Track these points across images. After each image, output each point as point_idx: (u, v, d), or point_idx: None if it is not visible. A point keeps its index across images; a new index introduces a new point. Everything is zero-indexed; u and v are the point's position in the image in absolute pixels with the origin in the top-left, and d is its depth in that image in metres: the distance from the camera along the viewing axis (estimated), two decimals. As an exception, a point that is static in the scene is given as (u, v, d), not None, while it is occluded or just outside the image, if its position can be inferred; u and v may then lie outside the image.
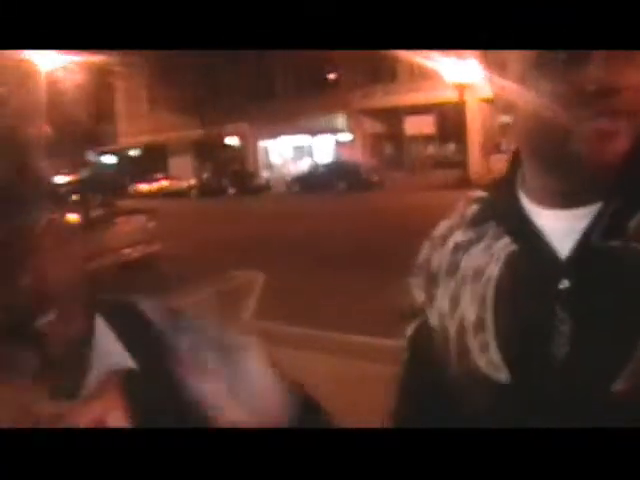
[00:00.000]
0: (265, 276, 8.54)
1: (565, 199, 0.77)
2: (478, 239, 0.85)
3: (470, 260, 0.85)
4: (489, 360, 0.79)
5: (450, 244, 0.89)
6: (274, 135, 34.70)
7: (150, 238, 10.38)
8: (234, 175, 33.37)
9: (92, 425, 0.69)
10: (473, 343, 0.81)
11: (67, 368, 0.69)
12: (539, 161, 0.78)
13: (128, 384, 0.73)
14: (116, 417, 0.70)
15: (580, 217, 0.76)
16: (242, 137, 36.29)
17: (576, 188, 0.75)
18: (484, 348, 0.80)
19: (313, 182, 28.83)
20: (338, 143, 33.54)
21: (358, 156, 30.58)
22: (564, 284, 0.74)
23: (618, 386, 0.70)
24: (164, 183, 35.61)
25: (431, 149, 30.19)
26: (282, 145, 36.37)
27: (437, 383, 0.88)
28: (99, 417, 0.70)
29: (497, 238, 0.82)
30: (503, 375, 0.78)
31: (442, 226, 0.92)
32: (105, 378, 0.72)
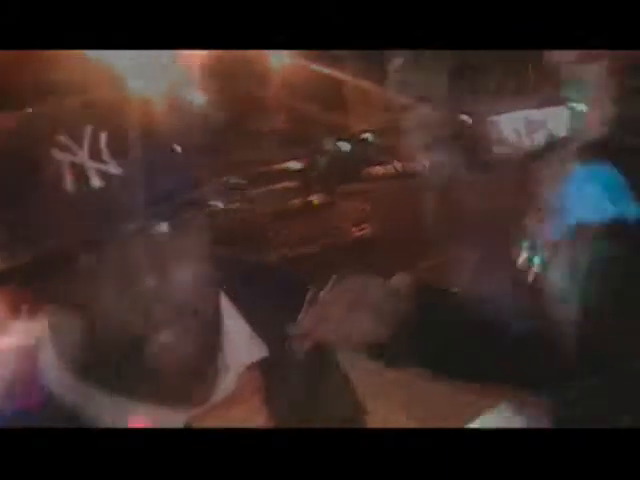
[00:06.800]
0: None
1: None
2: None
3: None
4: None
5: None
6: (502, 111, 33.56)
7: (366, 220, 10.49)
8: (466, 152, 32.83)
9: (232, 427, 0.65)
10: None
11: (196, 377, 0.64)
12: None
13: (268, 377, 0.69)
14: (260, 421, 0.67)
15: None
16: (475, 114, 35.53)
17: None
18: None
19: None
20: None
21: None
22: None
23: None
24: (397, 165, 35.85)
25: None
26: (514, 120, 35.05)
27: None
28: (241, 422, 0.66)
29: None
30: None
31: None
32: (239, 378, 0.67)
